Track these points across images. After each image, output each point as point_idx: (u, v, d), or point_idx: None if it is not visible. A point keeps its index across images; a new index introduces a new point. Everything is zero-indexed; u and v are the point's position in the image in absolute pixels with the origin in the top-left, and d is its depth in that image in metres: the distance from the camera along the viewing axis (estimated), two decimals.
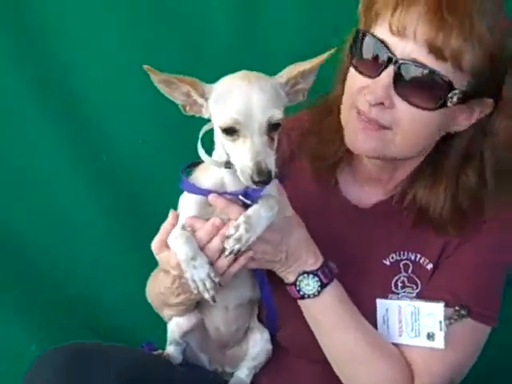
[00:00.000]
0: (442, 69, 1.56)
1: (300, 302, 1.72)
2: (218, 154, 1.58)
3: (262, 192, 1.58)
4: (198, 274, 1.56)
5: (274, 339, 1.86)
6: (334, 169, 1.82)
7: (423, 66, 1.56)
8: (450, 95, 1.58)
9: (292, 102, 1.58)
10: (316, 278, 1.68)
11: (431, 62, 1.55)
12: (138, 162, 2.44)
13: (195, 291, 1.58)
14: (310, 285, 1.68)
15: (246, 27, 2.34)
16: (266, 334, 1.85)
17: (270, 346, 1.85)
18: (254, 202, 1.58)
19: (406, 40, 1.56)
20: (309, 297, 1.69)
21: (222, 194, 1.60)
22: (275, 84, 1.53)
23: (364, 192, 1.83)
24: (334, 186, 1.84)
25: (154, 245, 1.66)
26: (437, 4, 1.53)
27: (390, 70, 1.59)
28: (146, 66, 1.50)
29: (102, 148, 2.42)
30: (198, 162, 1.65)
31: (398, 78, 1.59)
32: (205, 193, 1.61)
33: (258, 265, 1.68)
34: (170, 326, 1.85)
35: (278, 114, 1.48)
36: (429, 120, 1.62)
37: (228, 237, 1.55)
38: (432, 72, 1.56)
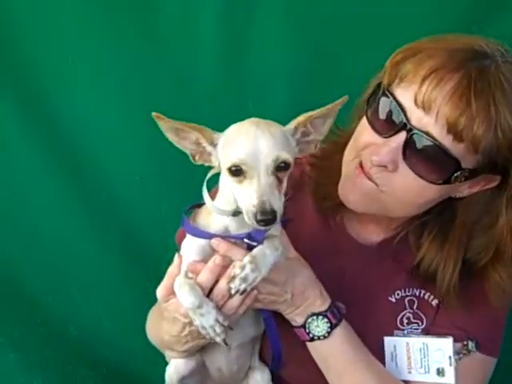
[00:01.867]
0: (455, 148, 1.52)
1: (309, 345, 1.69)
2: (224, 201, 1.56)
3: (266, 234, 1.56)
4: (207, 321, 1.53)
5: (274, 375, 1.83)
6: (336, 207, 1.79)
7: (436, 141, 1.52)
8: (456, 174, 1.55)
9: (303, 152, 1.56)
10: (325, 319, 1.65)
11: (446, 140, 1.51)
12: (135, 200, 2.42)
13: (207, 337, 1.56)
14: (319, 326, 1.65)
15: (234, 70, 2.35)
16: (267, 374, 1.82)
17: None
18: (259, 243, 1.56)
19: (427, 114, 1.52)
20: (318, 338, 1.66)
21: (225, 237, 1.58)
22: (285, 131, 1.51)
23: (368, 231, 1.81)
24: (338, 224, 1.82)
25: (160, 292, 1.62)
26: (465, 86, 1.49)
27: (402, 135, 1.55)
28: (154, 114, 1.47)
29: (101, 187, 2.41)
30: (200, 203, 1.63)
31: (408, 145, 1.55)
32: (208, 236, 1.58)
33: (263, 305, 1.66)
34: (168, 370, 1.80)
35: (285, 155, 1.46)
36: (427, 191, 1.59)
37: (234, 277, 1.53)
38: (443, 149, 1.52)
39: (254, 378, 1.82)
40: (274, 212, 1.42)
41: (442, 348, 1.65)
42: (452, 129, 1.49)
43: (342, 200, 1.68)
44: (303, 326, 1.66)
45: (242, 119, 1.53)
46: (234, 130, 1.51)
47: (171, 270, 1.60)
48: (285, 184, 1.49)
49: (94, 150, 2.39)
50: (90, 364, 2.44)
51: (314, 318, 1.65)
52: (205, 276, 1.56)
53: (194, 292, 1.54)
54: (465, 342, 1.67)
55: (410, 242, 1.73)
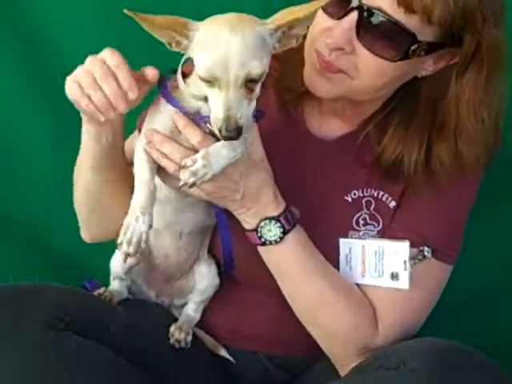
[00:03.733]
0: (409, 21, 1.48)
1: (261, 249, 1.64)
2: (197, 85, 1.47)
3: None
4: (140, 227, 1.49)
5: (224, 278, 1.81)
6: (298, 100, 1.73)
7: (387, 15, 1.48)
8: (413, 47, 1.51)
9: (284, 47, 1.47)
10: (278, 224, 1.61)
11: (398, 13, 1.47)
12: None
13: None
14: (271, 231, 1.61)
15: None
16: (214, 268, 1.79)
17: (217, 281, 1.80)
18: None
19: None
20: (270, 243, 1.61)
21: (189, 116, 1.51)
22: (263, 31, 1.41)
23: (329, 125, 1.74)
24: (297, 118, 1.75)
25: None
26: None
27: (354, 14, 1.50)
28: (127, 11, 1.36)
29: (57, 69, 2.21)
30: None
31: (360, 23, 1.50)
32: (182, 111, 1.51)
33: (213, 199, 1.60)
34: (113, 260, 1.77)
35: (258, 68, 1.37)
36: (389, 69, 1.55)
37: (184, 167, 1.47)
38: (396, 23, 1.48)
39: (200, 272, 1.79)
40: (239, 128, 1.38)
41: (397, 252, 1.61)
42: (401, 0, 1.45)
43: (309, 88, 1.63)
44: (255, 229, 1.61)
45: None
46: (209, 28, 1.41)
47: None
48: (257, 91, 1.41)
49: (50, 31, 2.24)
50: (39, 253, 2.38)
51: (267, 221, 1.61)
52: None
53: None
54: (421, 248, 1.64)
55: (373, 138, 1.68)
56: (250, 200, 1.59)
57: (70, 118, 2.25)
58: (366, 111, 1.71)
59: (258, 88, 1.41)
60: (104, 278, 1.82)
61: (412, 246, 1.63)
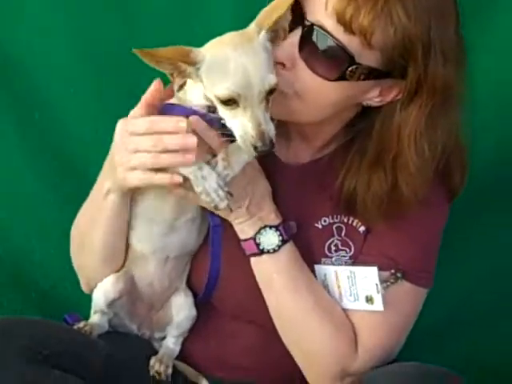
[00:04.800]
0: (350, 42, 1.49)
1: (254, 260, 1.66)
2: (199, 96, 1.52)
3: None
4: (210, 185, 1.50)
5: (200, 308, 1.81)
6: None
7: (328, 33, 1.49)
8: (350, 68, 1.52)
9: (276, 43, 1.53)
10: (278, 233, 1.63)
11: (339, 33, 1.49)
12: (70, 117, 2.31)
13: (211, 205, 1.52)
14: (270, 239, 1.63)
15: None
16: (190, 299, 1.80)
17: (194, 312, 1.80)
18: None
19: (317, 4, 1.49)
20: (268, 252, 1.64)
21: (204, 117, 1.53)
22: (262, 40, 1.48)
23: (295, 150, 1.76)
24: None
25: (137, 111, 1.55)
26: None
27: (299, 30, 1.52)
28: (135, 50, 1.42)
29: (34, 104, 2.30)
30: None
31: (303, 39, 1.52)
32: (190, 112, 1.53)
33: None
34: (96, 294, 1.77)
35: (273, 79, 1.45)
36: (328, 90, 1.55)
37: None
38: (335, 42, 1.49)
39: (177, 303, 1.79)
40: (271, 141, 1.43)
41: (367, 276, 1.63)
42: (341, 19, 1.47)
43: None
44: (253, 238, 1.64)
45: None
46: (216, 53, 1.47)
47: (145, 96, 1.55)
48: (270, 103, 1.47)
49: (25, 62, 2.27)
50: (18, 287, 2.37)
51: (267, 229, 1.63)
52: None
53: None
54: (392, 271, 1.66)
55: (336, 166, 1.69)
56: (254, 207, 1.62)
57: (47, 154, 2.31)
58: (324, 134, 1.72)
59: (271, 99, 1.47)
60: (84, 311, 1.82)
61: (383, 269, 1.64)
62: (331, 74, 1.53)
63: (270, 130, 1.44)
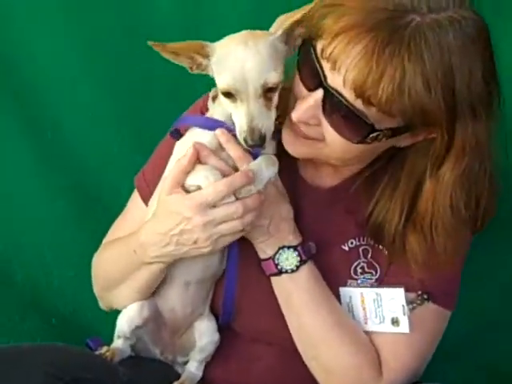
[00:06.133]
0: (369, 111, 1.46)
1: (274, 279, 1.67)
2: (221, 111, 1.59)
3: (263, 150, 1.59)
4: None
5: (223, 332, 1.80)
6: None
7: (348, 102, 1.47)
8: (372, 135, 1.49)
9: (293, 49, 1.57)
10: (296, 253, 1.64)
11: (358, 103, 1.46)
12: (85, 138, 2.31)
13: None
14: (288, 259, 1.64)
15: None
16: (213, 324, 1.79)
17: (217, 337, 1.80)
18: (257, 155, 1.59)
19: (337, 73, 1.46)
20: (286, 272, 1.65)
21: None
22: (274, 40, 1.52)
23: (321, 174, 1.76)
24: (291, 165, 1.75)
25: (168, 183, 1.57)
26: (371, 51, 1.41)
27: (321, 91, 1.50)
28: (150, 43, 1.49)
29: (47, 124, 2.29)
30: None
31: (326, 101, 1.50)
32: (219, 125, 1.59)
33: None
34: (120, 321, 1.75)
35: (273, 77, 1.49)
36: (353, 147, 1.53)
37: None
38: (354, 112, 1.47)
39: (200, 328, 1.79)
40: (262, 137, 1.48)
41: (394, 297, 1.63)
42: (359, 94, 1.44)
43: (285, 146, 1.63)
44: (272, 258, 1.65)
45: None
46: (224, 47, 1.53)
47: (182, 161, 1.57)
48: (275, 99, 1.51)
49: (40, 84, 2.27)
50: (38, 314, 2.35)
51: (286, 249, 1.65)
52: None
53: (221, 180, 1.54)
54: (419, 292, 1.66)
55: (362, 193, 1.69)
56: (274, 228, 1.63)
57: (61, 174, 2.28)
58: (353, 167, 1.71)
59: (275, 97, 1.51)
60: (106, 335, 1.82)
61: (409, 290, 1.64)
62: (353, 137, 1.51)
63: (264, 126, 1.49)
